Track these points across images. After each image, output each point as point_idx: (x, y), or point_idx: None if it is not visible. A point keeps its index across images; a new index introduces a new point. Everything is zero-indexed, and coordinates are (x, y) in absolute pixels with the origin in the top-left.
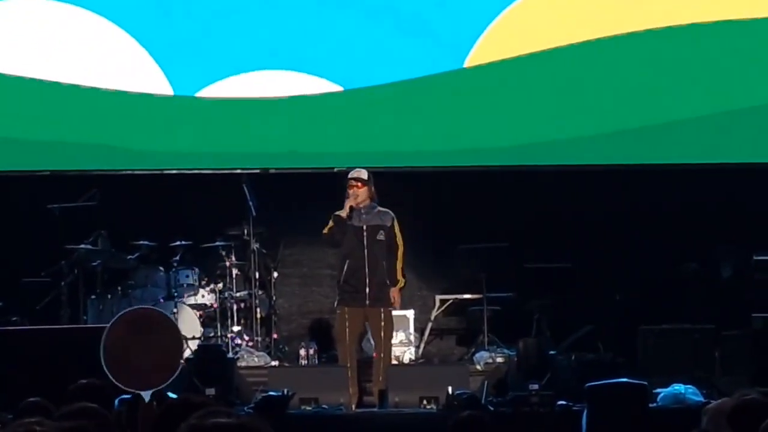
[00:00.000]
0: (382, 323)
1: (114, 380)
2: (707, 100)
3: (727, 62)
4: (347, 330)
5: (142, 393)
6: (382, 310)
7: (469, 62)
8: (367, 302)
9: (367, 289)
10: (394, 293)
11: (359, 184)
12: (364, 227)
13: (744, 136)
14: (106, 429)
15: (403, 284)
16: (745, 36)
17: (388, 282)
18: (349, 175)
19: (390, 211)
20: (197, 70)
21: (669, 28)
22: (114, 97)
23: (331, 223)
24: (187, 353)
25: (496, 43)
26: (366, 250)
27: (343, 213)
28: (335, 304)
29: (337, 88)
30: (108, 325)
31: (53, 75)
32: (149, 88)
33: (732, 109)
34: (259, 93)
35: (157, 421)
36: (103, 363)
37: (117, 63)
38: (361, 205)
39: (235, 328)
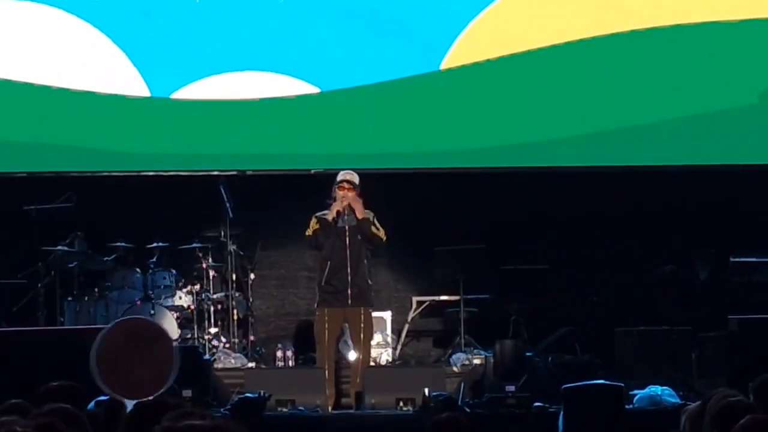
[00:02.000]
0: (362, 324)
1: (101, 383)
2: (685, 102)
3: (706, 64)
4: (326, 331)
5: (126, 402)
6: (362, 310)
7: (446, 64)
8: (349, 302)
9: (349, 290)
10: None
11: (351, 187)
12: (347, 228)
13: (722, 138)
14: (80, 429)
15: (374, 222)
16: (724, 38)
17: (368, 281)
18: (344, 177)
19: (370, 211)
20: (174, 71)
21: (647, 30)
22: (91, 98)
23: (316, 225)
24: None
25: (473, 45)
26: (348, 251)
27: (330, 216)
28: (315, 306)
29: (314, 89)
30: (104, 331)
31: (29, 76)
32: (126, 88)
33: (709, 111)
34: (236, 94)
35: (131, 421)
36: (93, 367)
37: (93, 64)
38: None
39: (212, 330)
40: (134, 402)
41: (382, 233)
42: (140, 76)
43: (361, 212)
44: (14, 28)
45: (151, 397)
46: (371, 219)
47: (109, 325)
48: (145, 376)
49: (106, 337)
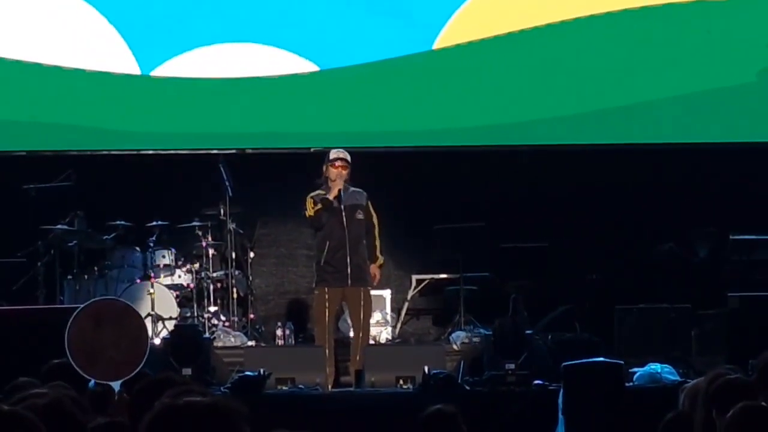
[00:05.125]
0: (362, 302)
1: (82, 372)
2: (683, 80)
3: (704, 42)
4: (326, 310)
5: (112, 384)
6: (362, 289)
7: (439, 43)
8: (349, 282)
9: (348, 269)
10: (374, 270)
11: (346, 165)
12: (343, 207)
13: (720, 116)
14: (79, 408)
15: (382, 261)
16: (721, 16)
17: (367, 261)
18: (338, 156)
19: (363, 191)
20: (165, 43)
21: (644, 9)
22: (90, 77)
23: (319, 205)
24: (163, 333)
25: (468, 24)
26: (346, 230)
27: (331, 195)
28: (314, 285)
29: (313, 67)
30: (71, 318)
31: (28, 55)
32: (118, 63)
33: (708, 89)
34: (233, 69)
35: (136, 398)
36: (68, 356)
37: (89, 41)
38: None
39: (212, 309)
40: (120, 382)
41: (375, 220)
42: (130, 50)
43: (337, 186)
44: (13, 7)
45: (134, 373)
46: (366, 203)
47: (74, 314)
48: (122, 355)
49: (73, 328)
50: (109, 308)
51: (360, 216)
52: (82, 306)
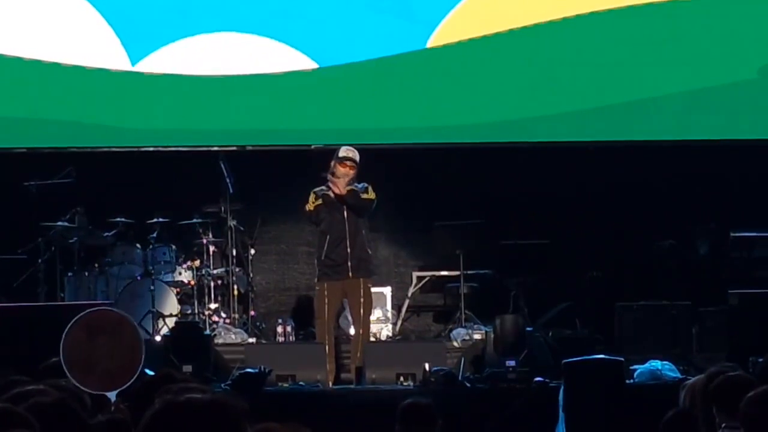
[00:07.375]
0: (362, 298)
1: (77, 384)
2: (683, 77)
3: (705, 39)
4: (326, 306)
5: (108, 394)
6: (362, 280)
7: (436, 39)
8: (350, 274)
9: (349, 262)
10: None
11: (354, 165)
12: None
13: (721, 112)
14: (81, 406)
15: (356, 191)
16: (723, 12)
17: (369, 252)
18: (347, 155)
19: (366, 184)
20: (155, 31)
21: (646, 5)
22: (89, 73)
23: (318, 201)
24: (164, 330)
25: (466, 21)
26: (347, 223)
27: (335, 191)
28: (315, 280)
29: (313, 65)
30: (65, 331)
31: (28, 52)
32: (98, 48)
33: (708, 85)
34: (223, 58)
35: (137, 395)
36: (64, 367)
37: (86, 37)
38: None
39: (213, 305)
40: (116, 393)
41: (370, 195)
42: (118, 37)
43: (342, 189)
44: (13, 4)
45: (128, 383)
46: (360, 189)
47: (67, 327)
48: (117, 366)
49: (68, 340)
50: (102, 319)
51: None
52: (74, 318)
